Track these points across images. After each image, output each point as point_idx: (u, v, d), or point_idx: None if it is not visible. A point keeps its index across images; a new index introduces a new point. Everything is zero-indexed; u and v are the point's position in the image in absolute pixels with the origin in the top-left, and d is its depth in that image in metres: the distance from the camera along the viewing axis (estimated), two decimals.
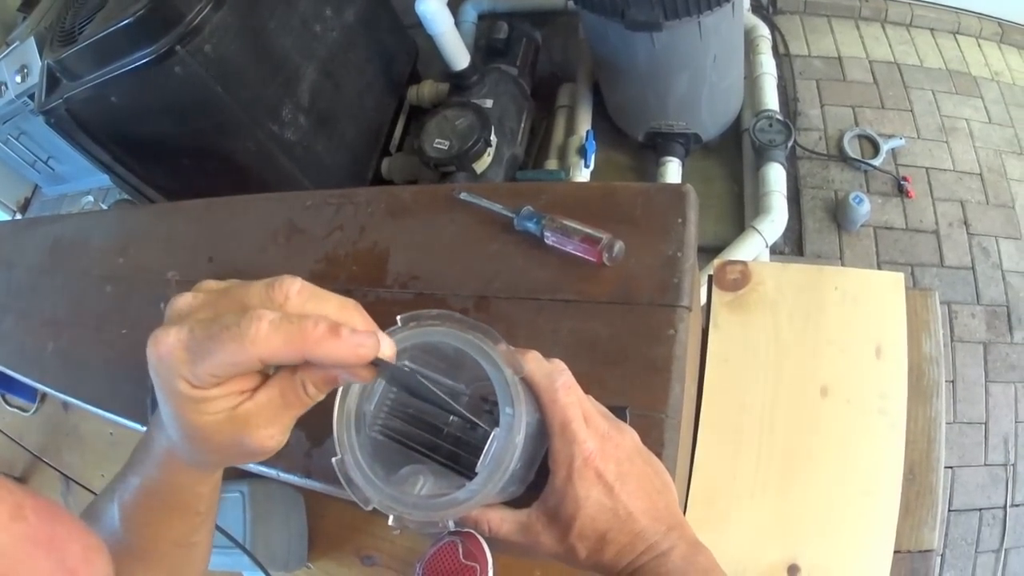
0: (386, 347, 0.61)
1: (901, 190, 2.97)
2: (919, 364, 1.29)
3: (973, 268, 2.83)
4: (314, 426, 1.00)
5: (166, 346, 0.58)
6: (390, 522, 0.69)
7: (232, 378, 0.60)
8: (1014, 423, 2.58)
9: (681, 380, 0.95)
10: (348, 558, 1.60)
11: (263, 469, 1.12)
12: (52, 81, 2.68)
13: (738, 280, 1.36)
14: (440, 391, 0.71)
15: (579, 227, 1.04)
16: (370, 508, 0.69)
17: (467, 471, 0.73)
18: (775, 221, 2.82)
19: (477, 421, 0.72)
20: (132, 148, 2.84)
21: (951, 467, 2.50)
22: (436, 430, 0.77)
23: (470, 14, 3.68)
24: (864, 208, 2.82)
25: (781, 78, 3.27)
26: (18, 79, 4.03)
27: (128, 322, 1.47)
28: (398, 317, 0.73)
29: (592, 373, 0.86)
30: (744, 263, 1.38)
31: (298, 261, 1.30)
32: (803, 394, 1.24)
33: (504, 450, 0.68)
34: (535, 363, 0.75)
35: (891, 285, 1.30)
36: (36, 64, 3.77)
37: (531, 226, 1.08)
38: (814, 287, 1.32)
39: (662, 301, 0.99)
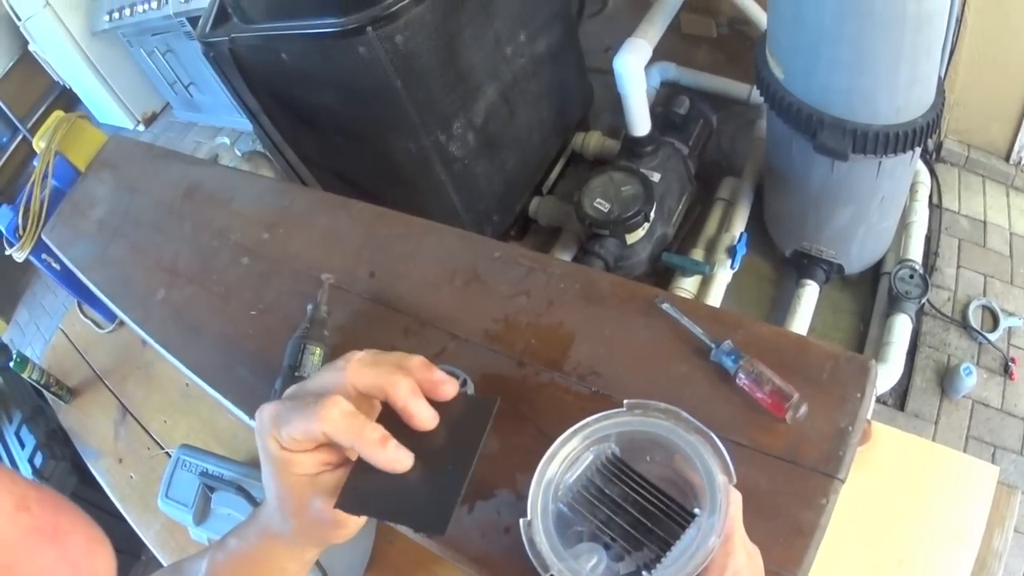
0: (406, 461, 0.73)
1: (1006, 371, 2.88)
2: (985, 556, 1.29)
3: None
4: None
5: (262, 414, 0.74)
6: None
7: (310, 446, 0.73)
8: None
9: (818, 547, 0.93)
10: None
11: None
12: (222, 15, 2.64)
13: (861, 437, 1.34)
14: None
15: (772, 378, 1.01)
16: (548, 575, 0.77)
17: (637, 557, 0.78)
18: (890, 373, 2.77)
19: (684, 512, 0.78)
20: (286, 107, 2.81)
21: None
22: (619, 512, 0.80)
23: (654, 78, 3.61)
24: (971, 381, 2.75)
25: (928, 228, 3.19)
26: None
27: (261, 304, 1.41)
28: (625, 401, 0.85)
29: (744, 521, 0.82)
30: (869, 421, 1.34)
31: (472, 313, 1.22)
32: (883, 559, 1.27)
33: (697, 550, 0.74)
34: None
35: (986, 477, 1.32)
36: None
37: (727, 362, 1.04)
38: (921, 461, 1.36)
39: (823, 469, 0.97)
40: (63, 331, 2.78)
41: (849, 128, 2.19)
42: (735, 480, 0.79)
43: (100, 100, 5.63)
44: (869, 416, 2.46)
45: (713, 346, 1.06)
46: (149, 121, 5.76)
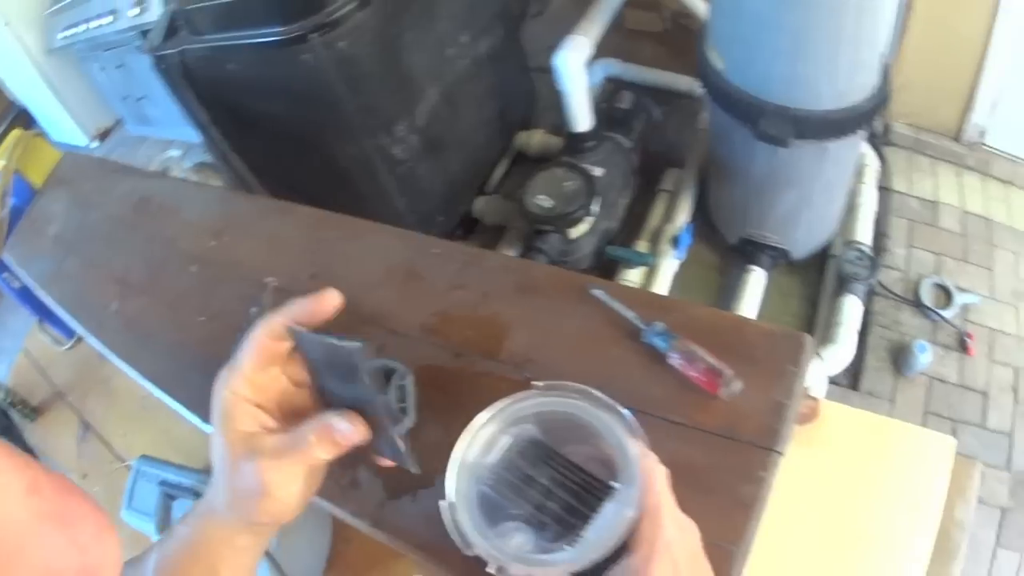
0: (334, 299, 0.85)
1: (963, 346, 2.96)
2: (948, 527, 1.30)
3: (1011, 435, 2.79)
4: (394, 480, 1.01)
5: (221, 372, 0.80)
6: (490, 569, 0.76)
7: (263, 363, 0.80)
8: None
9: (759, 520, 0.95)
10: None
11: (331, 507, 1.09)
12: (172, 28, 2.66)
13: (807, 415, 1.37)
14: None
15: (705, 356, 1.02)
16: (472, 554, 0.78)
17: (569, 536, 0.79)
18: (840, 353, 2.81)
19: (598, 483, 0.80)
20: (235, 118, 2.82)
21: None
22: (546, 494, 0.82)
23: (597, 75, 3.65)
24: (926, 358, 2.81)
25: (877, 210, 3.25)
26: (133, 12, 4.04)
27: (209, 311, 1.43)
28: (538, 383, 0.88)
29: (681, 497, 0.83)
30: (816, 399, 1.40)
31: (410, 308, 1.25)
32: (841, 536, 1.27)
33: (615, 521, 0.75)
34: (641, 448, 0.83)
35: (943, 450, 1.32)
36: (155, 1, 3.80)
37: (659, 343, 1.06)
38: (874, 436, 1.35)
39: (761, 443, 0.98)
40: (26, 350, 2.80)
41: (790, 115, 2.23)
42: (648, 446, 0.81)
43: (55, 117, 5.60)
44: (822, 395, 2.50)
45: (644, 328, 1.08)
46: (102, 137, 5.73)
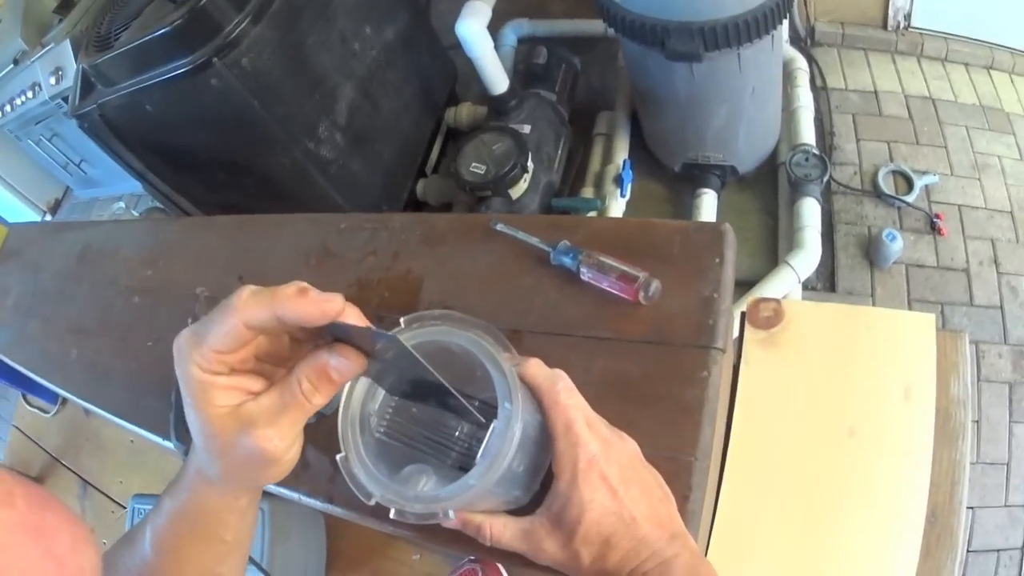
0: (351, 313, 0.68)
1: (933, 227, 2.93)
2: (946, 406, 1.25)
3: (1001, 307, 2.77)
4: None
5: (181, 338, 0.70)
6: (391, 515, 0.75)
7: (233, 350, 0.68)
8: None
9: (712, 423, 0.93)
10: None
11: (284, 491, 1.11)
12: (86, 86, 2.69)
13: (771, 318, 1.33)
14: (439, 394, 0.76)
15: (616, 264, 1.02)
16: (372, 502, 0.75)
17: (467, 470, 0.75)
18: (808, 257, 2.79)
19: (470, 408, 0.75)
20: (165, 157, 2.84)
21: (971, 507, 2.44)
22: (437, 431, 0.82)
23: (510, 38, 3.65)
24: (897, 245, 2.78)
25: (818, 111, 3.23)
26: (52, 80, 4.05)
27: (155, 335, 1.47)
28: (401, 319, 0.82)
29: (623, 413, 0.85)
30: (777, 301, 1.35)
31: (330, 284, 1.21)
32: (831, 434, 1.22)
33: (502, 441, 0.72)
34: (537, 367, 0.80)
35: (922, 326, 1.27)
36: (71, 67, 3.78)
37: (567, 261, 1.06)
38: (846, 327, 1.30)
39: (697, 343, 0.96)
40: (16, 427, 2.82)
41: (696, 28, 2.22)
42: (520, 365, 0.79)
43: (4, 200, 5.59)
44: (778, 293, 2.48)
45: (550, 250, 1.08)
46: (54, 209, 5.73)
